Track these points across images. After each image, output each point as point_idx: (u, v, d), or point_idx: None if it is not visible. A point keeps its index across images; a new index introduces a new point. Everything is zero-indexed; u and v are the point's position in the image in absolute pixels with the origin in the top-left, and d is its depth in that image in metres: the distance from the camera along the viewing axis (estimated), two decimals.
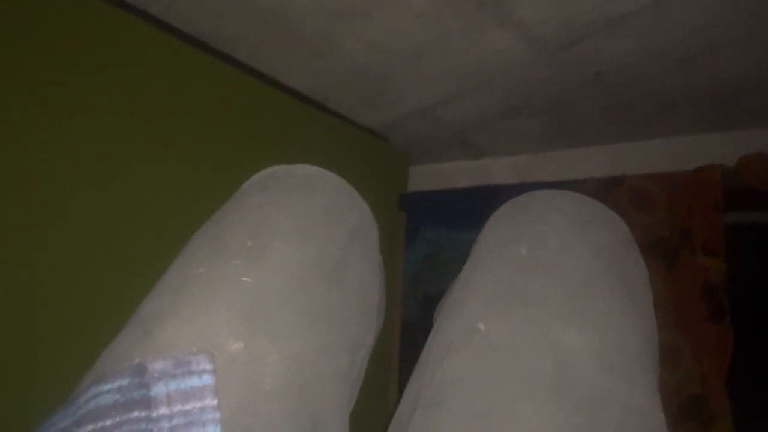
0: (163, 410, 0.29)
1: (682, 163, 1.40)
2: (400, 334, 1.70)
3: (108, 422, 0.28)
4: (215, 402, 0.30)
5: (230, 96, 1.23)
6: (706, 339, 1.24)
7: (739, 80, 1.23)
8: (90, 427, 0.28)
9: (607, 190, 1.43)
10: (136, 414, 0.28)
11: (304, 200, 0.44)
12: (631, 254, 0.46)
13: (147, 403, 0.29)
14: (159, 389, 0.29)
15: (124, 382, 0.29)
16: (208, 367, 0.31)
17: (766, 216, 1.44)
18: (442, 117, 1.55)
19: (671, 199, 1.37)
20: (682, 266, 1.31)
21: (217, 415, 0.29)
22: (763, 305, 1.41)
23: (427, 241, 1.73)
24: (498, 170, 1.77)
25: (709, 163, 1.35)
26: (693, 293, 1.28)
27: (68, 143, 0.92)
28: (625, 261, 0.44)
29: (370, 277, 0.47)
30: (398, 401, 0.42)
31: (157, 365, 0.30)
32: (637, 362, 0.38)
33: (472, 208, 1.56)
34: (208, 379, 0.30)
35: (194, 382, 0.30)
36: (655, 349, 0.42)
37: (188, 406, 0.29)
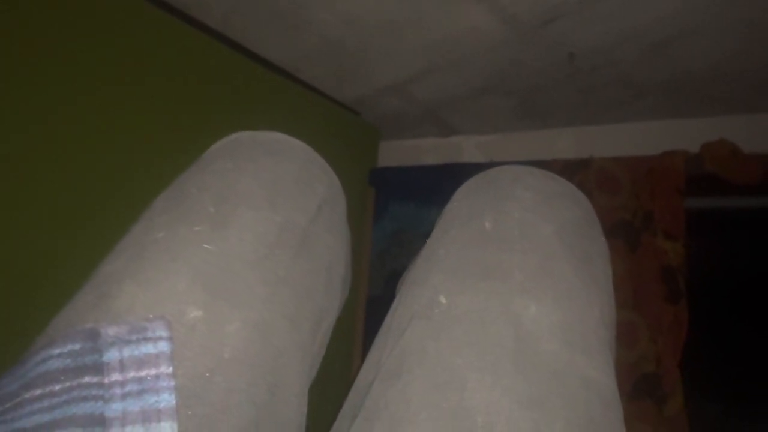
0: (116, 377, 0.28)
1: (648, 147, 1.43)
2: (365, 309, 1.71)
3: (57, 387, 0.27)
4: (170, 370, 0.29)
5: (199, 62, 1.20)
6: (662, 320, 1.27)
7: (706, 69, 1.25)
8: (38, 391, 0.27)
9: (574, 172, 1.45)
10: (87, 379, 0.27)
11: (272, 167, 0.43)
12: (593, 231, 0.46)
13: (99, 368, 0.28)
14: (112, 355, 0.28)
15: (76, 346, 0.29)
16: (165, 333, 0.30)
17: (726, 202, 1.48)
18: (414, 93, 1.54)
19: (635, 182, 1.40)
20: (643, 249, 1.34)
21: (172, 383, 0.29)
22: (719, 288, 1.45)
23: (395, 217, 1.73)
24: (468, 148, 1.77)
25: (674, 149, 1.38)
26: (652, 275, 1.31)
27: (30, 110, 0.89)
28: (587, 237, 0.45)
29: (337, 250, 0.46)
30: None
31: (110, 330, 0.29)
32: (595, 336, 0.38)
33: (441, 185, 1.56)
34: (164, 346, 0.30)
35: (149, 349, 0.29)
36: (612, 324, 0.43)
37: (142, 373, 0.29)
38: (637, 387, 1.26)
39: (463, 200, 0.48)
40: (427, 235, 0.48)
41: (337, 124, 1.63)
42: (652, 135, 1.49)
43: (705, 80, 1.30)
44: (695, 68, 1.25)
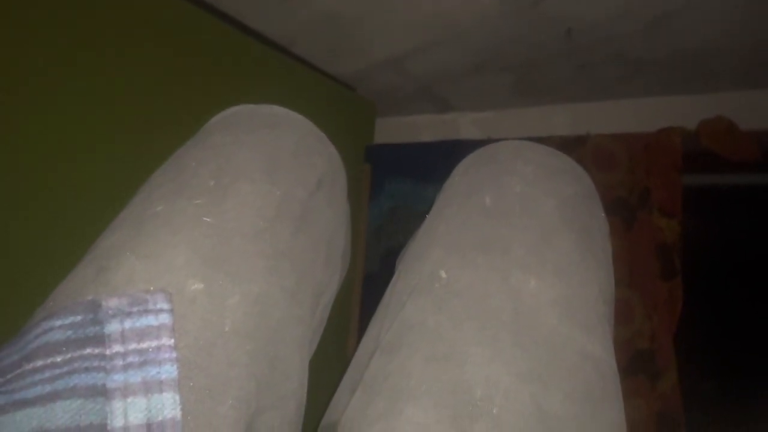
0: (117, 348, 0.28)
1: (646, 124, 1.42)
2: (362, 287, 1.71)
3: (59, 358, 0.27)
4: (172, 341, 0.29)
5: (193, 37, 1.19)
6: (657, 296, 1.28)
7: (703, 45, 1.24)
8: (40, 362, 0.27)
9: (571, 149, 1.44)
10: (88, 351, 0.27)
11: (271, 141, 0.43)
12: (594, 206, 0.46)
13: (100, 340, 0.28)
14: (113, 327, 0.28)
15: (77, 318, 0.28)
16: (166, 306, 0.30)
17: (723, 178, 1.48)
18: (410, 69, 1.52)
19: (632, 159, 1.39)
20: (639, 226, 1.34)
21: (174, 355, 0.29)
22: (715, 265, 1.46)
23: (391, 195, 1.73)
24: (464, 125, 1.76)
25: (671, 126, 1.37)
26: (648, 252, 1.32)
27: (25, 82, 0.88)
28: (588, 213, 0.45)
29: (337, 224, 0.46)
30: None
31: (111, 303, 0.29)
32: (594, 311, 0.39)
33: (438, 162, 1.56)
34: (165, 319, 0.30)
35: (150, 321, 0.29)
36: (611, 299, 0.43)
37: (143, 345, 0.29)
38: (632, 363, 1.27)
39: (463, 175, 0.48)
40: (424, 212, 0.48)
41: (333, 99, 1.62)
42: (649, 112, 1.49)
43: (703, 56, 1.29)
44: (693, 44, 1.24)
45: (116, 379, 0.27)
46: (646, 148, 1.38)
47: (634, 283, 1.30)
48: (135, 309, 0.29)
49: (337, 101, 1.63)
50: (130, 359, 0.28)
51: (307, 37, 1.40)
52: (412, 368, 0.35)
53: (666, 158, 1.35)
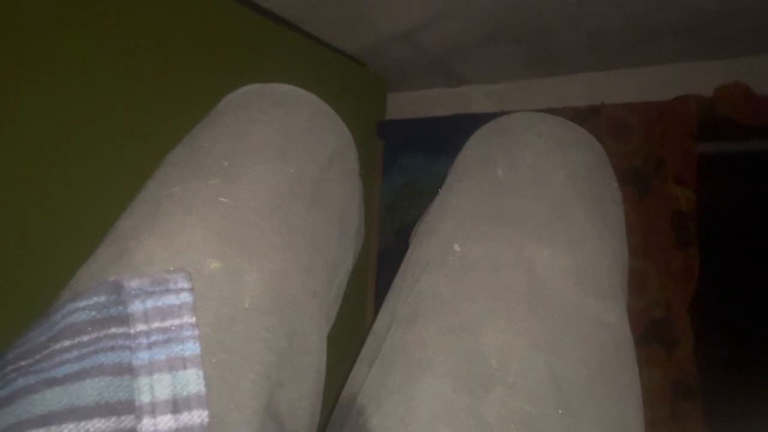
0: (141, 327, 0.29)
1: (660, 92, 1.40)
2: (376, 263, 1.72)
3: (85, 338, 0.28)
4: (193, 320, 0.30)
5: (202, 16, 1.18)
6: (672, 266, 1.28)
7: (718, 8, 1.21)
8: (67, 342, 0.28)
9: (585, 119, 1.43)
10: (113, 330, 0.28)
11: (282, 119, 0.43)
12: (606, 176, 0.46)
13: (124, 320, 0.29)
14: (136, 307, 0.29)
15: (101, 299, 0.29)
16: (186, 285, 0.31)
17: (739, 146, 1.46)
18: (420, 42, 1.51)
19: (647, 128, 1.38)
20: (654, 195, 1.33)
21: (196, 332, 0.29)
22: (730, 233, 1.45)
23: (404, 170, 1.72)
24: (476, 98, 1.75)
25: (686, 93, 1.35)
26: (663, 222, 1.31)
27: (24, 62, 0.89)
28: (600, 182, 0.45)
29: (350, 200, 0.47)
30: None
31: (133, 283, 0.30)
32: (607, 280, 0.39)
33: (451, 136, 1.55)
34: (186, 297, 0.30)
35: (172, 300, 0.30)
36: (625, 268, 0.43)
37: (166, 324, 0.29)
38: (647, 332, 1.28)
39: (475, 148, 0.48)
40: (437, 186, 0.48)
41: (344, 75, 1.61)
42: (664, 79, 1.47)
43: (718, 21, 1.26)
44: (708, 8, 1.22)
45: (141, 357, 0.28)
46: (661, 117, 1.36)
47: (649, 253, 1.30)
48: (156, 289, 0.30)
49: (348, 77, 1.63)
50: (154, 338, 0.28)
51: (317, 14, 1.39)
52: (428, 339, 0.35)
53: (681, 126, 1.33)
